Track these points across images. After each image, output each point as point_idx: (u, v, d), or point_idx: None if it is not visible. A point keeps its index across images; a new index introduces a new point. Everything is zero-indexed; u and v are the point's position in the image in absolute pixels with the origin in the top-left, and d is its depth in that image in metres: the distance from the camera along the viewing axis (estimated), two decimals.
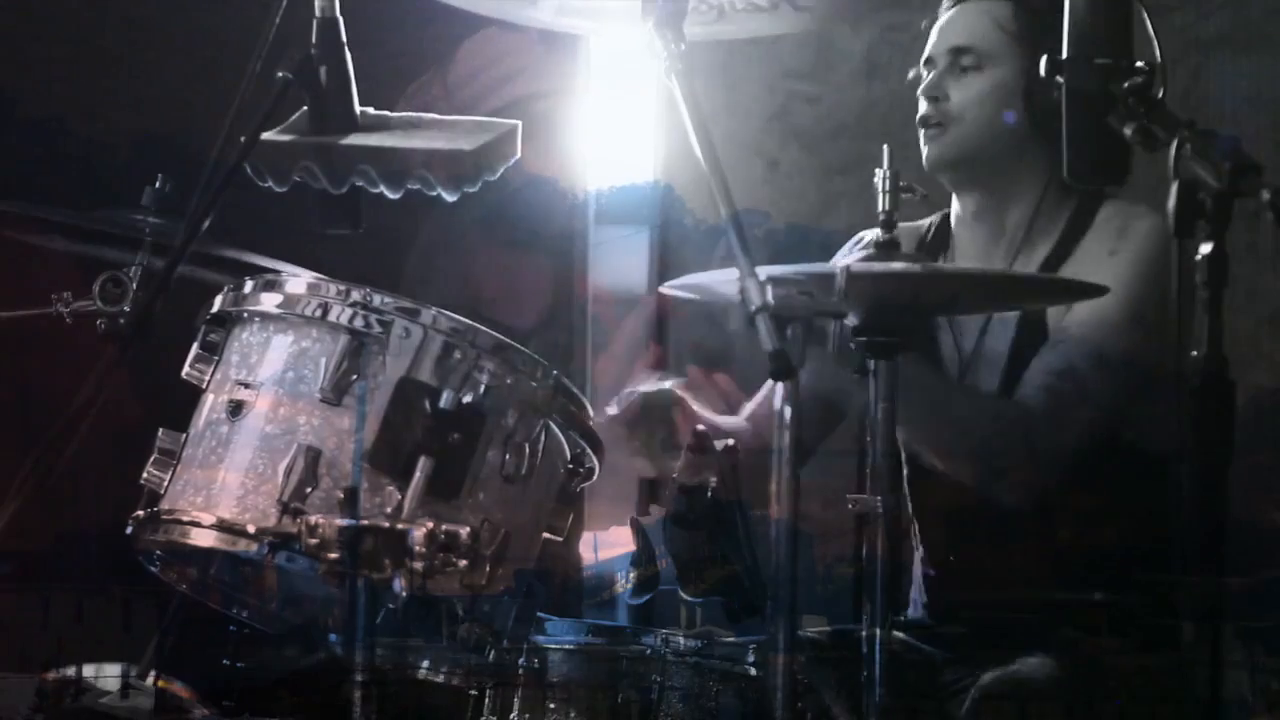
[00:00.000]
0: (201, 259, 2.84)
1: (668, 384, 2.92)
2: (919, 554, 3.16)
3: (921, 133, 3.06)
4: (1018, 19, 3.01)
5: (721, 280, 2.43)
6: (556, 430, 2.53)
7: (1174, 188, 2.04)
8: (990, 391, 3.01)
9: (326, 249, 2.88)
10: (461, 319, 2.43)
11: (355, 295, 2.43)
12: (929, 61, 3.10)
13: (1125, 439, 2.96)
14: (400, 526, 2.29)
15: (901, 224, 3.19)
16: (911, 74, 3.16)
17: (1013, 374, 3.00)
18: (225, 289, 2.54)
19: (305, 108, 2.77)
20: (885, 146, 2.56)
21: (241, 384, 2.46)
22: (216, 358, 2.52)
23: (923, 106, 3.06)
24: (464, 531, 2.30)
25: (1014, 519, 3.00)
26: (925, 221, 3.23)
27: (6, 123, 3.93)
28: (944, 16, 3.12)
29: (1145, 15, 2.84)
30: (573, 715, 2.61)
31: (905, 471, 3.04)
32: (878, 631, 2.45)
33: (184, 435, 2.50)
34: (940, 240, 3.19)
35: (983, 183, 3.09)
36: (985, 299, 2.85)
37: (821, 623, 3.03)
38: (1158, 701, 2.73)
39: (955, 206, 3.16)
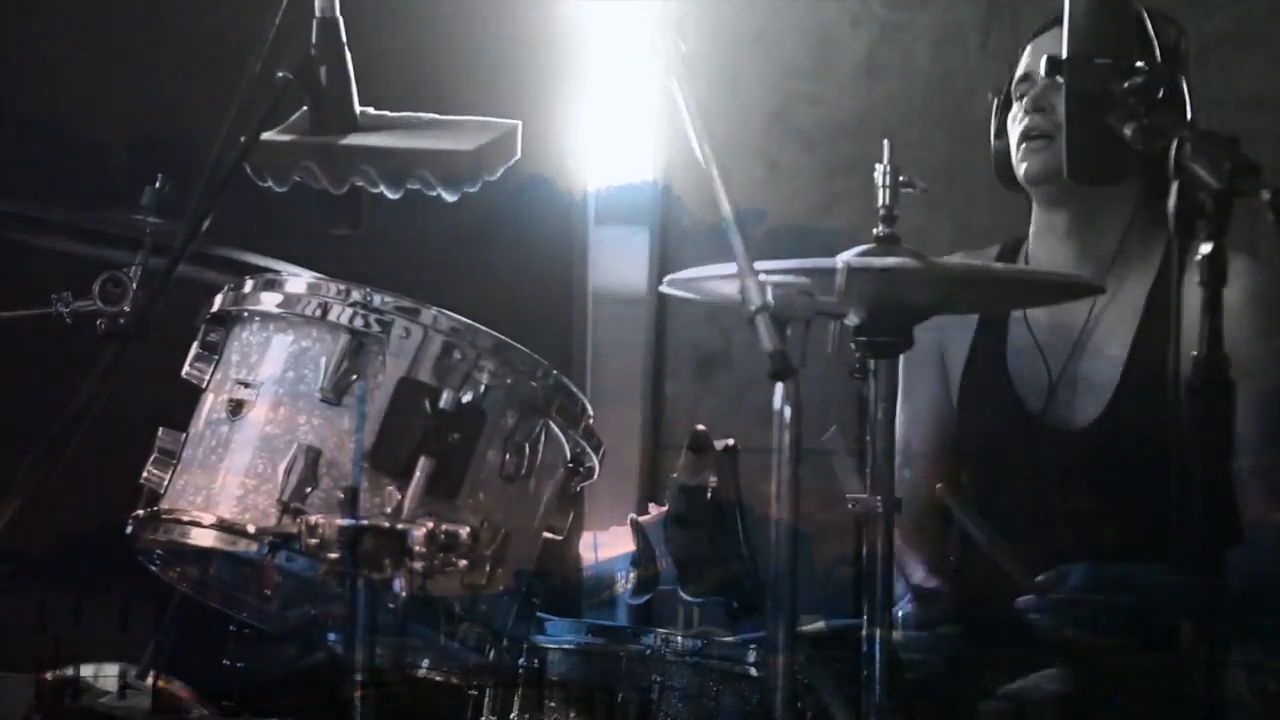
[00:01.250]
0: (201, 259, 2.83)
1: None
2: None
3: (1024, 145, 3.06)
4: None
5: (721, 277, 2.42)
6: (556, 430, 2.53)
7: (1174, 188, 2.04)
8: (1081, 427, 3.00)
9: (326, 249, 2.88)
10: (461, 319, 2.43)
11: (355, 295, 2.43)
12: (1026, 78, 3.10)
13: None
14: (400, 526, 2.28)
15: (963, 252, 3.24)
16: (993, 96, 3.16)
17: (1119, 405, 3.00)
18: (225, 289, 2.54)
19: (305, 108, 2.77)
20: (886, 142, 2.56)
21: (241, 383, 2.46)
22: (216, 357, 2.53)
23: (1027, 119, 3.06)
24: (464, 531, 2.30)
25: (1013, 521, 3.00)
26: (991, 249, 3.24)
27: (6, 122, 3.93)
28: (1039, 38, 3.12)
29: (1145, 15, 2.85)
30: (572, 715, 2.61)
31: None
32: (878, 631, 2.45)
33: (184, 435, 2.50)
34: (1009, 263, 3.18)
35: (1076, 198, 3.08)
36: (985, 297, 2.85)
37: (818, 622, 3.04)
38: (1156, 703, 2.73)
39: (1035, 227, 3.16)
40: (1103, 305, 3.06)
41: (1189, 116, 2.94)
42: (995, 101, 3.19)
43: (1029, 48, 3.15)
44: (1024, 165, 3.08)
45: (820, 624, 2.90)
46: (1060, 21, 3.07)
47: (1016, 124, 3.10)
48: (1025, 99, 3.09)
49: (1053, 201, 3.12)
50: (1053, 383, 3.06)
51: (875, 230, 2.56)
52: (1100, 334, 3.06)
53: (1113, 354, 3.03)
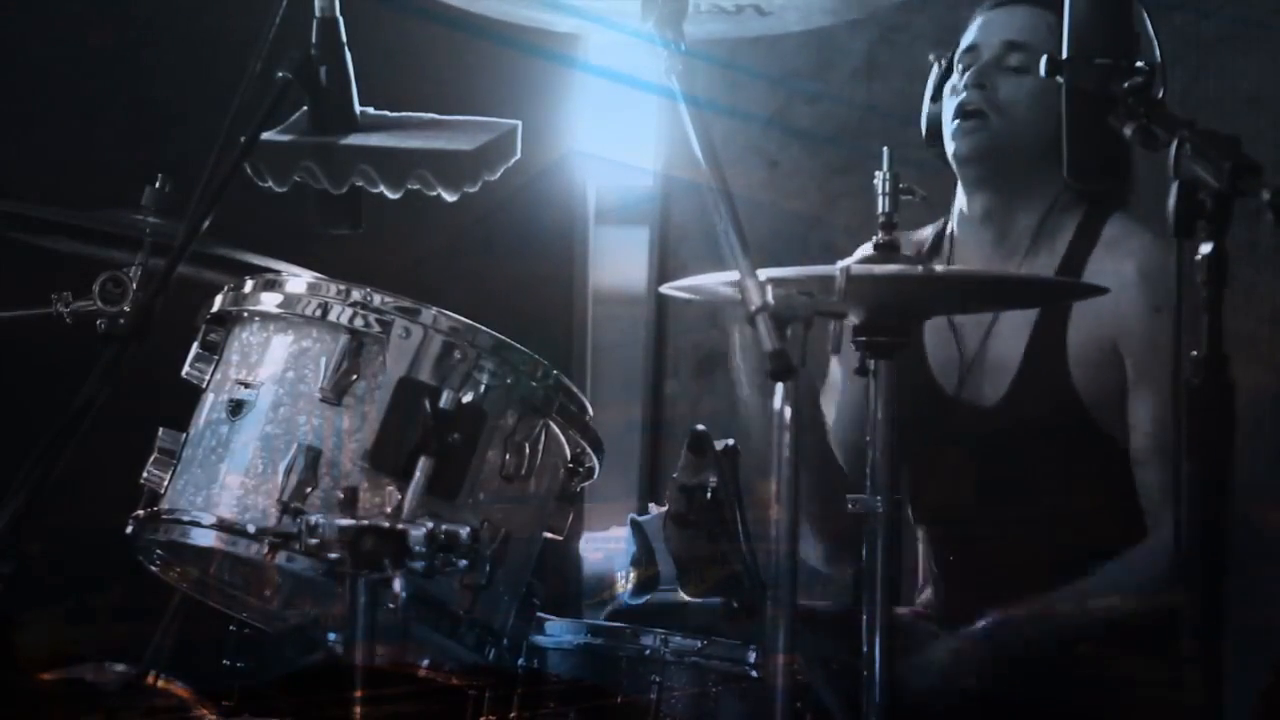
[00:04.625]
0: (201, 259, 2.83)
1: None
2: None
3: (958, 122, 3.02)
4: None
5: (721, 280, 2.43)
6: (556, 430, 2.53)
7: (1174, 188, 2.04)
8: (990, 406, 3.00)
9: (326, 249, 2.89)
10: (461, 319, 2.43)
11: (355, 295, 2.43)
12: (972, 50, 3.06)
13: None
14: (400, 526, 2.29)
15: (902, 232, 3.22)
16: (933, 56, 3.13)
17: (1023, 383, 3.00)
18: (225, 289, 2.54)
19: (305, 108, 2.77)
20: (885, 149, 2.56)
21: (241, 383, 2.46)
22: (216, 357, 2.53)
23: (966, 93, 3.02)
24: (464, 531, 2.30)
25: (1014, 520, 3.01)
26: (926, 230, 3.23)
27: (7, 122, 3.93)
28: (991, 12, 3.09)
29: (1145, 15, 2.85)
30: (572, 715, 2.61)
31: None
32: (878, 630, 2.45)
33: (184, 435, 2.50)
34: (937, 247, 3.17)
35: (1001, 180, 3.06)
36: (984, 300, 2.85)
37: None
38: (1157, 705, 2.73)
39: (958, 210, 3.15)
40: None
41: (1160, 61, 2.90)
42: (937, 66, 3.13)
43: (980, 19, 3.10)
44: (955, 144, 3.03)
45: None
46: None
47: (954, 95, 3.05)
48: (968, 71, 3.04)
49: (978, 183, 3.08)
50: (965, 363, 3.06)
51: (875, 238, 2.56)
52: (1009, 314, 3.04)
53: (1019, 334, 3.02)
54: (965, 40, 3.10)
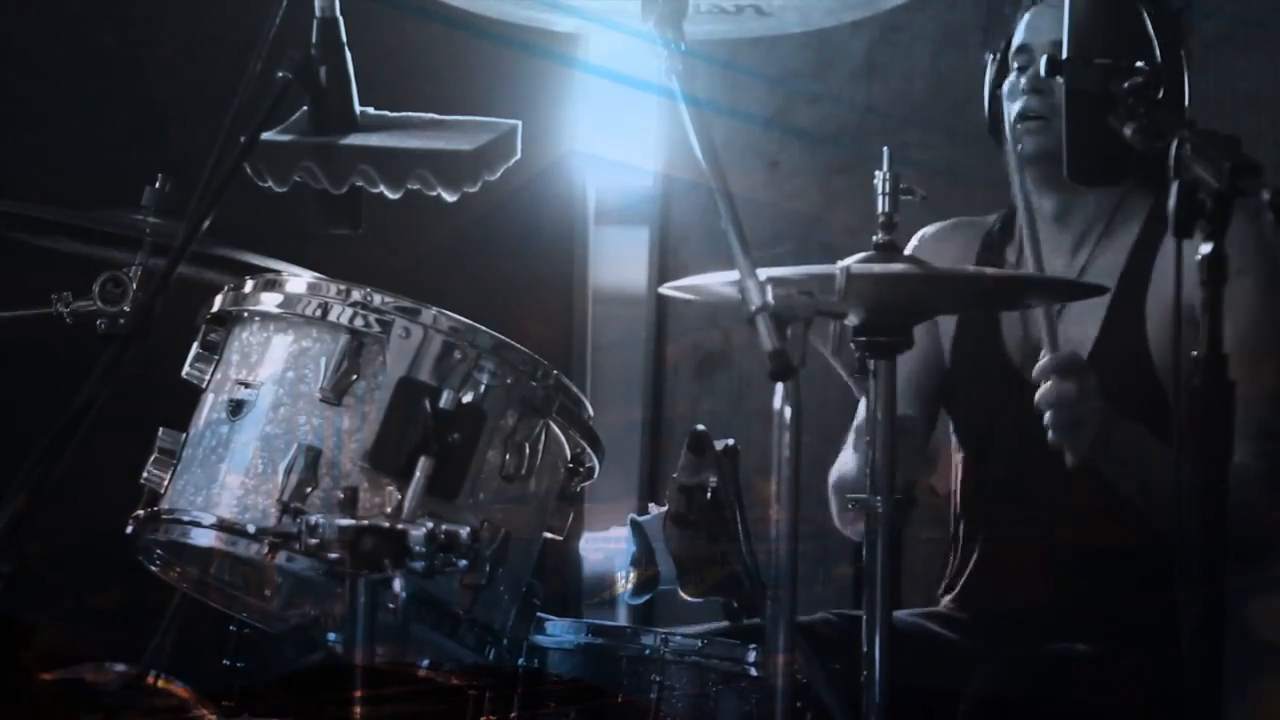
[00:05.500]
0: (201, 259, 2.83)
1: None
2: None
3: (1021, 125, 3.02)
4: None
5: (721, 280, 2.43)
6: (556, 430, 2.53)
7: (1174, 188, 2.04)
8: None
9: (326, 249, 2.89)
10: (461, 319, 2.43)
11: (355, 295, 2.43)
12: (1024, 50, 3.07)
13: None
14: (400, 526, 2.29)
15: (964, 217, 3.24)
16: (989, 57, 3.14)
17: (1099, 361, 2.94)
18: (225, 289, 2.54)
19: (305, 108, 2.78)
20: (885, 149, 2.56)
21: (242, 383, 2.46)
22: (216, 357, 2.53)
23: (1024, 99, 3.03)
24: (464, 531, 2.30)
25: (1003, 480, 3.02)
26: (991, 216, 3.23)
27: (7, 122, 3.93)
28: (1036, 7, 3.09)
29: (1145, 15, 2.85)
30: (573, 715, 2.61)
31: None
32: (878, 630, 2.45)
33: (184, 435, 2.50)
34: (1008, 234, 3.19)
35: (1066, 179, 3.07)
36: (985, 300, 2.85)
37: None
38: (1158, 704, 2.73)
39: (1023, 203, 3.14)
40: (1080, 273, 3.06)
41: (1186, 103, 2.90)
42: (992, 62, 3.14)
43: (1027, 16, 3.10)
44: (1020, 145, 3.03)
45: None
46: None
47: (1012, 99, 3.07)
48: (1024, 77, 3.05)
49: (1046, 181, 3.09)
50: (1033, 345, 3.04)
51: (875, 237, 2.55)
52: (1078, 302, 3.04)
53: (1090, 319, 3.01)
54: (1016, 38, 3.10)
